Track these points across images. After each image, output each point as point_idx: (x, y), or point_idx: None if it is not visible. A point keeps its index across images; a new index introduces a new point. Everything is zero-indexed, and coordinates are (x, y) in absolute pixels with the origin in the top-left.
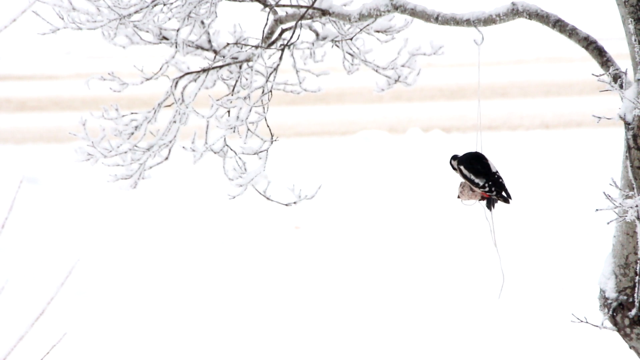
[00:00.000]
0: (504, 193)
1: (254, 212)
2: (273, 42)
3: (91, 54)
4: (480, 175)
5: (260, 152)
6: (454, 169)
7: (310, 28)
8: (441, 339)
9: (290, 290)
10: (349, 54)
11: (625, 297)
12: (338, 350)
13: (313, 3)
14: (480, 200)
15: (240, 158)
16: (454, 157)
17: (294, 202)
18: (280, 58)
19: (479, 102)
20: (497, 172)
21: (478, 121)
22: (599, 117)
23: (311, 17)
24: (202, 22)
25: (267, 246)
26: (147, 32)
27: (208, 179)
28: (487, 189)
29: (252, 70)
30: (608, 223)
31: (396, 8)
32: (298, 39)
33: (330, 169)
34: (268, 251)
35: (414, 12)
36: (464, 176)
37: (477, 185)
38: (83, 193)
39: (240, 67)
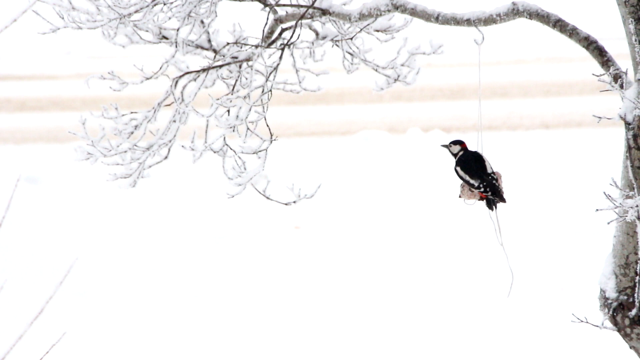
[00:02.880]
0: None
1: (253, 212)
2: (273, 42)
3: (91, 54)
4: (475, 176)
5: (260, 151)
6: (452, 154)
7: (310, 27)
8: (441, 338)
9: (290, 290)
10: (349, 53)
11: (625, 297)
12: (338, 350)
13: (313, 3)
14: (479, 200)
15: (239, 157)
16: (454, 142)
17: (294, 202)
18: (280, 57)
19: (480, 101)
20: (492, 173)
21: (479, 121)
22: (599, 117)
23: (311, 17)
24: (202, 22)
25: (267, 246)
26: (147, 31)
27: (207, 178)
28: (482, 190)
29: (251, 69)
30: (608, 223)
31: (396, 8)
32: (298, 38)
33: (330, 169)
34: (268, 251)
35: (414, 12)
36: (460, 177)
37: (472, 186)
38: (83, 193)
39: (240, 66)
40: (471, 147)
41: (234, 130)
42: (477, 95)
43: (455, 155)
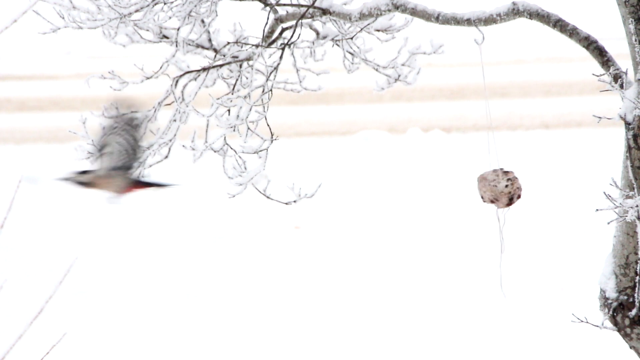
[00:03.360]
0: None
1: (253, 211)
2: (273, 41)
3: (91, 54)
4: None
5: (260, 151)
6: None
7: (311, 27)
8: (441, 339)
9: (290, 290)
10: (349, 53)
11: (625, 297)
12: (338, 350)
13: (313, 2)
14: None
15: (240, 157)
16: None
17: (294, 201)
18: (281, 57)
19: (487, 102)
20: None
21: (488, 120)
22: (599, 117)
23: (312, 16)
24: (203, 21)
25: (267, 246)
26: (148, 30)
27: (208, 178)
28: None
29: (252, 69)
30: (608, 223)
31: (397, 7)
32: (298, 38)
33: (330, 169)
34: (268, 251)
35: (414, 12)
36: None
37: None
38: (83, 193)
39: (241, 66)
40: (470, 148)
41: (234, 130)
42: (478, 95)
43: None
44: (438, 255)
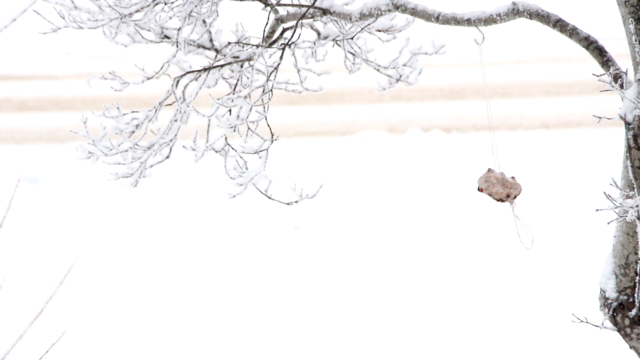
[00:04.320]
0: None
1: (254, 211)
2: (274, 41)
3: (92, 54)
4: None
5: (261, 151)
6: None
7: (312, 27)
8: (441, 338)
9: (290, 290)
10: (351, 53)
11: (625, 297)
12: (338, 350)
13: (314, 2)
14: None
15: (241, 157)
16: None
17: (295, 201)
18: (281, 57)
19: (488, 102)
20: None
21: (488, 121)
22: (599, 117)
23: (312, 17)
24: (204, 21)
25: (267, 246)
26: (149, 31)
27: (209, 178)
28: None
29: (253, 69)
30: (608, 223)
31: (397, 7)
32: (299, 38)
33: (330, 169)
34: (268, 251)
35: (414, 12)
36: None
37: None
38: (83, 193)
39: (242, 66)
40: (470, 148)
41: (234, 130)
42: (478, 95)
43: None
44: (438, 254)
